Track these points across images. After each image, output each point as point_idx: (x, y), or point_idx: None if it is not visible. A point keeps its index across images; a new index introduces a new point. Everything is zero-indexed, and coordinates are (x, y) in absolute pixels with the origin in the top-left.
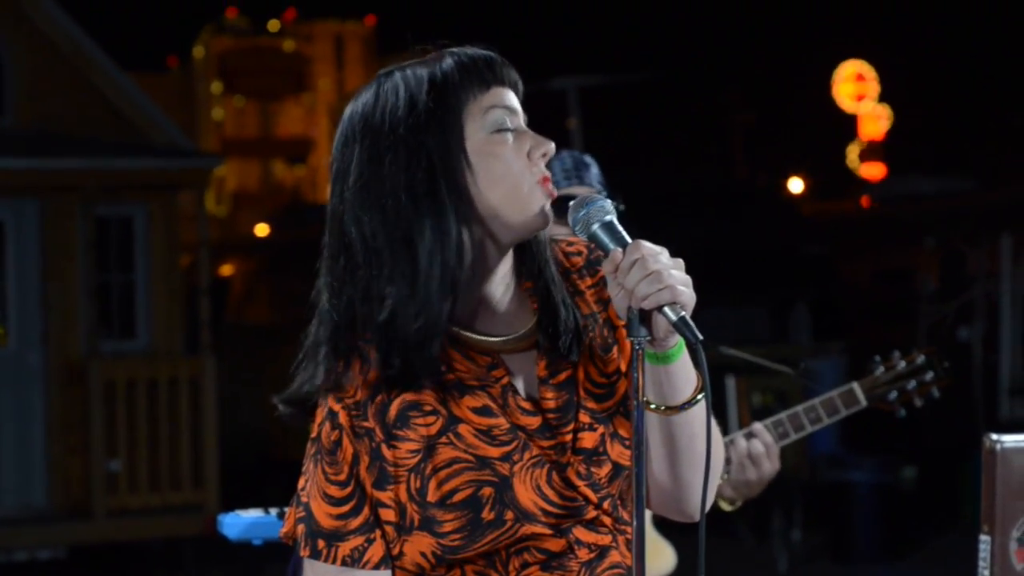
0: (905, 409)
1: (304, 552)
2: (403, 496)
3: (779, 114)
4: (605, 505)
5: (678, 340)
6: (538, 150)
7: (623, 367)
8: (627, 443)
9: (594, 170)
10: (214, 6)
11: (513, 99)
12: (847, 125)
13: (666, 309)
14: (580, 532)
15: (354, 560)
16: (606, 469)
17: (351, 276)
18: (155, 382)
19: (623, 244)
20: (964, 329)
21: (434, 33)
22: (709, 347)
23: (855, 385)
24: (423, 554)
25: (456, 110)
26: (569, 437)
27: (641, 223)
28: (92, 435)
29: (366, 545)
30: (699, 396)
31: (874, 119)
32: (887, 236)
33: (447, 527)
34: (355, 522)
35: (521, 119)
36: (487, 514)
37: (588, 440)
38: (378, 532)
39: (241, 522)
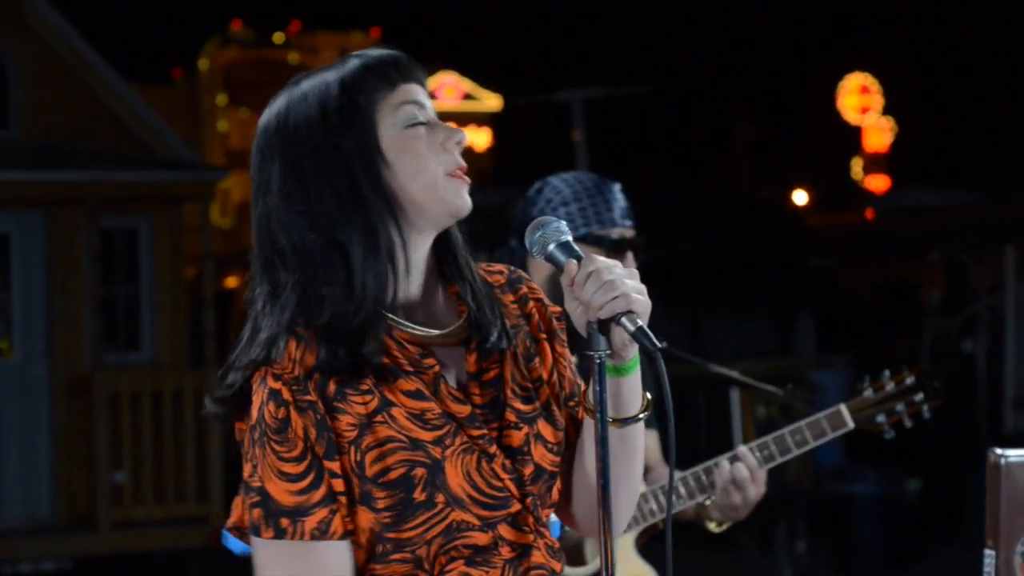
0: (894, 431)
1: (267, 534)
2: (348, 467)
3: (783, 126)
4: (527, 502)
5: (635, 354)
6: (451, 139)
7: (545, 376)
8: (550, 447)
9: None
10: (219, 18)
11: (421, 94)
12: (851, 137)
13: (624, 320)
14: (504, 529)
15: (322, 532)
16: (529, 469)
17: (286, 281)
18: (160, 394)
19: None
20: (968, 342)
21: (439, 45)
22: (684, 360)
23: (842, 407)
24: (367, 530)
25: (367, 110)
26: (496, 433)
27: (646, 236)
28: (97, 447)
29: (330, 516)
30: (644, 413)
31: (878, 131)
32: (891, 248)
33: (380, 503)
34: (317, 495)
35: (431, 112)
36: (418, 494)
37: (514, 438)
38: (338, 503)
39: None
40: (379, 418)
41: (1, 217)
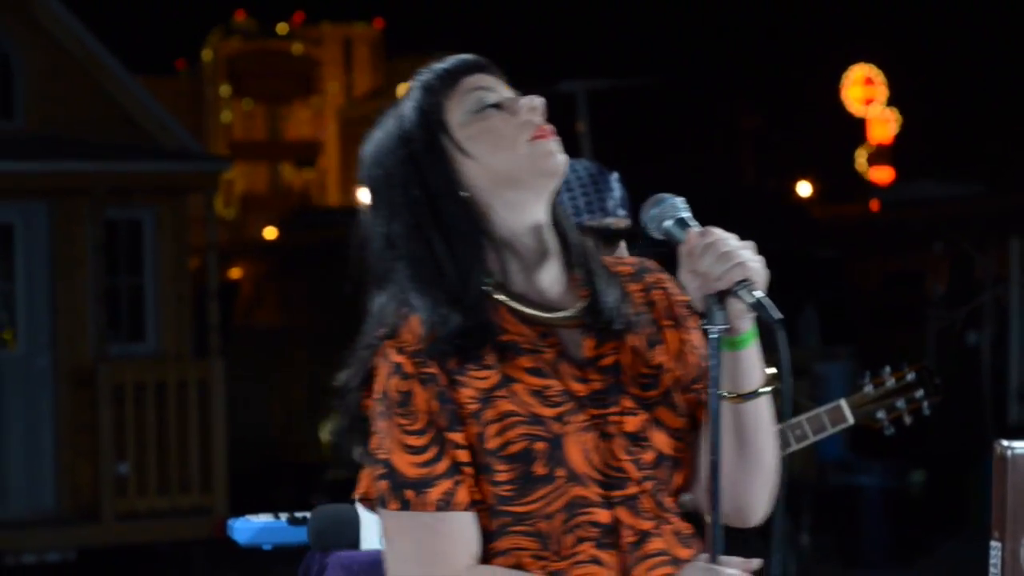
0: (894, 427)
1: (393, 506)
2: (471, 439)
3: (787, 118)
4: (646, 485)
5: (750, 327)
6: (524, 107)
7: (667, 363)
8: (671, 432)
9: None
10: (222, 9)
11: (488, 78)
12: (856, 129)
13: (741, 291)
14: (622, 513)
15: (445, 503)
16: (650, 455)
17: (401, 269)
18: (164, 385)
19: None
20: (973, 334)
21: (442, 36)
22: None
23: (843, 402)
24: (486, 502)
25: (435, 111)
26: (616, 419)
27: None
28: (101, 438)
29: (454, 488)
30: (769, 387)
31: (883, 123)
32: (896, 240)
33: (500, 476)
34: (440, 467)
35: (503, 90)
36: (539, 468)
37: (630, 424)
38: (463, 474)
39: (251, 527)
40: (500, 392)
41: (5, 208)
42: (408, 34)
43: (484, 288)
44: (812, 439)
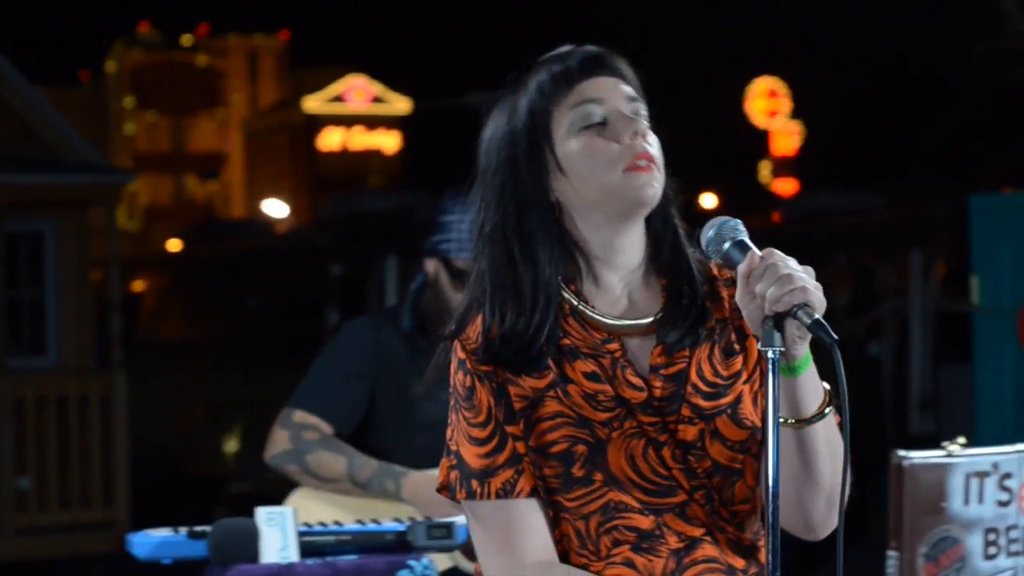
0: None
1: (460, 495)
2: (521, 431)
3: (691, 129)
4: (697, 495)
5: (805, 352)
6: (627, 132)
7: (745, 374)
8: (730, 444)
9: None
10: (126, 20)
11: (602, 87)
12: (759, 141)
13: (799, 313)
14: (670, 519)
15: (507, 492)
16: (705, 464)
17: (483, 266)
18: (65, 399)
19: None
20: (874, 344)
21: (347, 48)
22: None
23: None
24: (536, 488)
25: (545, 121)
26: (672, 426)
27: None
28: (1, 452)
29: (516, 477)
30: (827, 410)
31: (786, 135)
32: (798, 252)
33: (547, 471)
34: (501, 457)
35: (617, 99)
36: (577, 470)
37: (687, 433)
38: (524, 463)
39: (150, 541)
40: (552, 393)
41: None
42: (313, 46)
43: (555, 296)
44: None
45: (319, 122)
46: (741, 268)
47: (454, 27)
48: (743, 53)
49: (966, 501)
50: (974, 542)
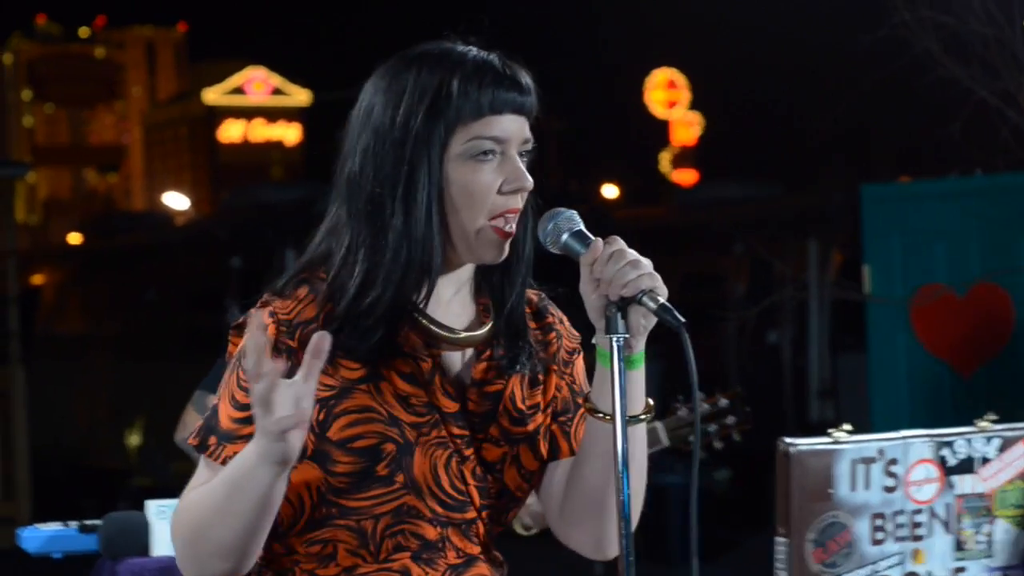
0: (705, 452)
1: (193, 441)
2: (310, 422)
3: (592, 120)
4: (484, 514)
5: (642, 348)
6: (509, 185)
7: (542, 404)
8: (524, 472)
9: None
10: (23, 12)
11: (507, 129)
12: (659, 131)
13: (645, 299)
14: (454, 533)
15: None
16: (497, 487)
17: (335, 237)
18: None
19: None
20: (773, 333)
21: (246, 40)
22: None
23: (658, 425)
24: (307, 485)
25: (447, 129)
26: (477, 444)
27: None
28: None
29: None
30: (644, 416)
31: (686, 125)
32: (697, 241)
33: (340, 467)
34: (246, 430)
35: (515, 145)
36: (381, 469)
37: (491, 453)
38: None
39: (40, 536)
40: (364, 387)
41: None
42: (212, 38)
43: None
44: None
45: (219, 114)
46: (584, 256)
47: (353, 18)
48: (642, 44)
49: (853, 487)
50: (861, 527)
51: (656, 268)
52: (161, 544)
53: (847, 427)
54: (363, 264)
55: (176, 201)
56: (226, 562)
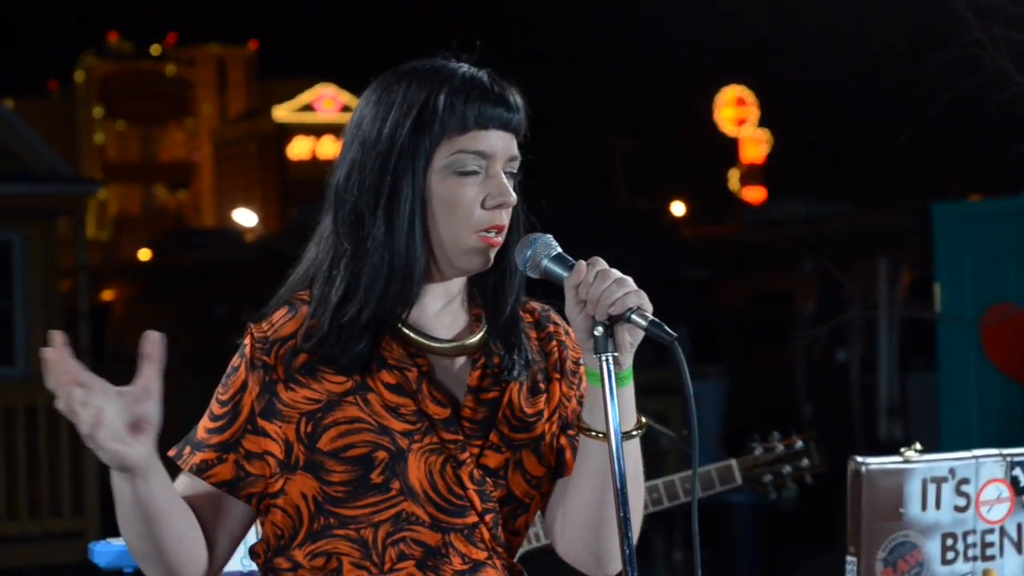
0: (776, 493)
1: (171, 452)
2: (291, 435)
3: (660, 138)
4: (487, 518)
5: (630, 364)
6: (492, 200)
7: (547, 412)
8: (529, 478)
9: None
10: (95, 30)
11: (493, 144)
12: (728, 149)
13: (633, 316)
14: (456, 539)
15: (200, 470)
16: (500, 492)
17: (325, 249)
18: (34, 409)
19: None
20: (842, 351)
21: (317, 57)
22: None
23: (733, 463)
24: (304, 495)
25: (432, 142)
26: (476, 450)
27: None
28: None
29: (216, 462)
30: (636, 432)
31: (754, 143)
32: (766, 260)
33: (335, 477)
34: (216, 439)
35: (501, 162)
36: (376, 477)
37: (492, 459)
38: (232, 457)
39: (111, 550)
40: (351, 399)
41: None
42: (282, 55)
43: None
44: (701, 495)
45: (288, 131)
46: (568, 279)
47: (422, 35)
48: (712, 62)
49: (924, 506)
50: (932, 547)
51: (724, 286)
52: (232, 559)
53: (918, 446)
54: (345, 274)
55: (245, 218)
56: (154, 568)
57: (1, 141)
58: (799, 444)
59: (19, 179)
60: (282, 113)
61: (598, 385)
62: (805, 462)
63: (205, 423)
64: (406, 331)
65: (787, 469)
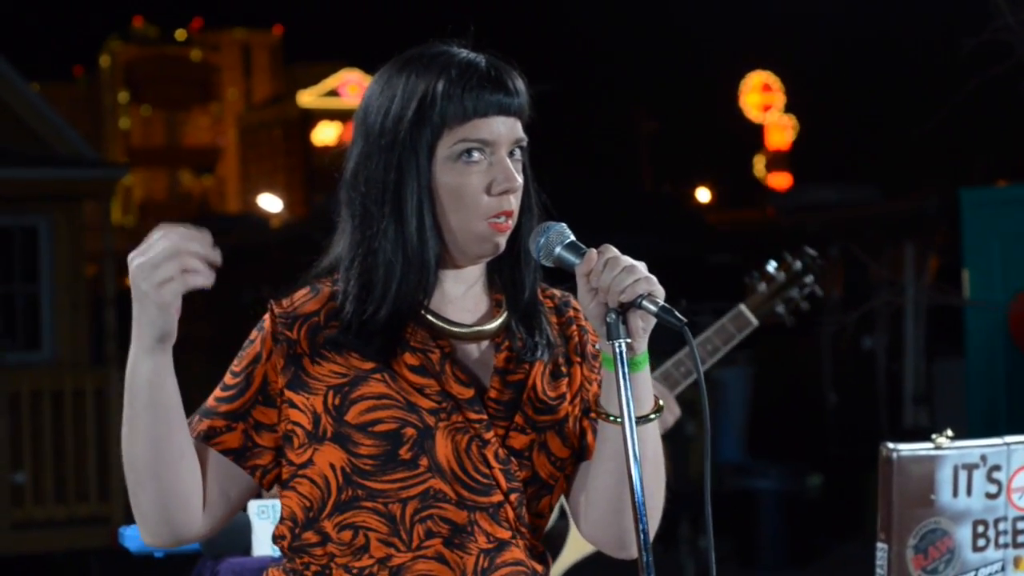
0: (794, 317)
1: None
2: (319, 407)
3: (686, 123)
4: (512, 498)
5: (644, 348)
6: (498, 186)
7: (569, 395)
8: (553, 459)
9: None
10: (120, 15)
11: (496, 131)
12: (753, 135)
13: (644, 302)
14: (482, 517)
15: (206, 437)
16: (526, 473)
17: (345, 245)
18: (60, 393)
19: None
20: (868, 338)
21: (342, 42)
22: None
23: (742, 307)
24: (332, 466)
25: (433, 133)
26: (502, 431)
27: None
28: None
29: (224, 430)
30: (653, 416)
31: (780, 129)
32: (792, 245)
33: (363, 450)
34: (224, 407)
35: (505, 146)
36: (404, 453)
37: (517, 441)
38: (241, 426)
39: None
40: (378, 376)
41: None
42: (307, 40)
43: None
44: (724, 350)
45: (314, 116)
46: (580, 268)
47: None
48: (737, 47)
49: (955, 493)
50: (963, 534)
51: (748, 272)
52: (262, 544)
53: (949, 432)
54: (361, 270)
55: (270, 203)
56: (148, 488)
57: (27, 125)
58: (797, 264)
59: (45, 163)
60: (307, 98)
61: (612, 370)
62: (809, 277)
63: (216, 393)
64: (429, 317)
65: (795, 292)
